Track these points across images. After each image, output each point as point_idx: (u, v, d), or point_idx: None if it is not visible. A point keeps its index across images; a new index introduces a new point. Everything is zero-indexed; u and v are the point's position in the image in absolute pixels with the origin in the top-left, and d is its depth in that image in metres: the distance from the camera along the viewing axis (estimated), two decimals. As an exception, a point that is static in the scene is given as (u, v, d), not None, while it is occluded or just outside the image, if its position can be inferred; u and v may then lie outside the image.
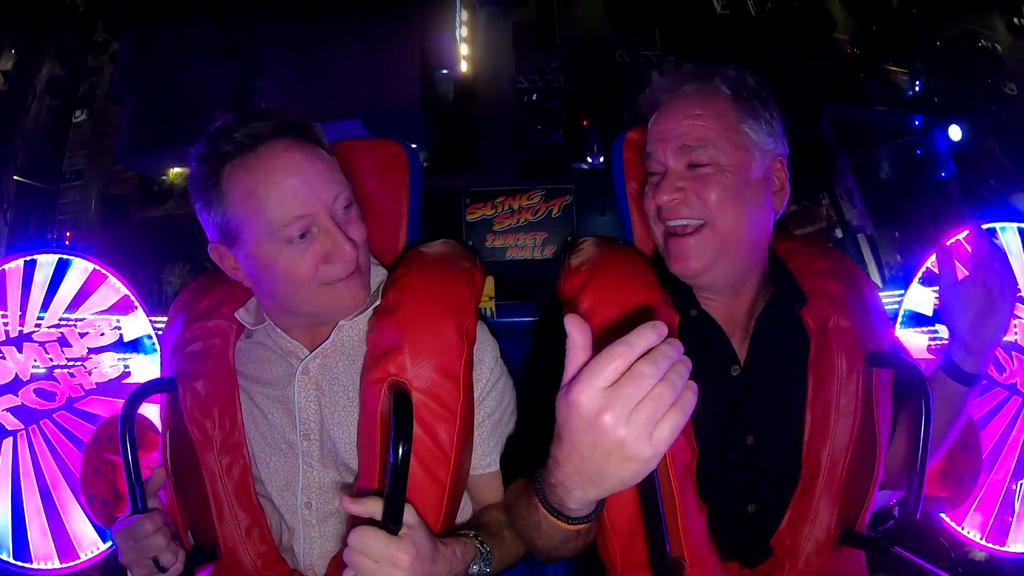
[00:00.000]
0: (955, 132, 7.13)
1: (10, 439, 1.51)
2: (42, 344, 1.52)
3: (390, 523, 0.96)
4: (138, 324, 1.56)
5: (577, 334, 0.81)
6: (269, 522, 1.25)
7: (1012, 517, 1.46)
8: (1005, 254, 1.24)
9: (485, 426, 1.24)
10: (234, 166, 1.12)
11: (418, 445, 1.11)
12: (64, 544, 1.50)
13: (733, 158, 1.18)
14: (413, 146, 1.48)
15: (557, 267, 1.27)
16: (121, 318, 1.55)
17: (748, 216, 1.18)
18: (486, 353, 1.25)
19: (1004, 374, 1.49)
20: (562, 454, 0.85)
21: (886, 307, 1.32)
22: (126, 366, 1.56)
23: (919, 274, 1.55)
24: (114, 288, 1.56)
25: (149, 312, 1.56)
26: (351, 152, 1.42)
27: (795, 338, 1.24)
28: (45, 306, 1.54)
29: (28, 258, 1.55)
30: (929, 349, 1.52)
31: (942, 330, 1.53)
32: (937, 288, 1.53)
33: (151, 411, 1.41)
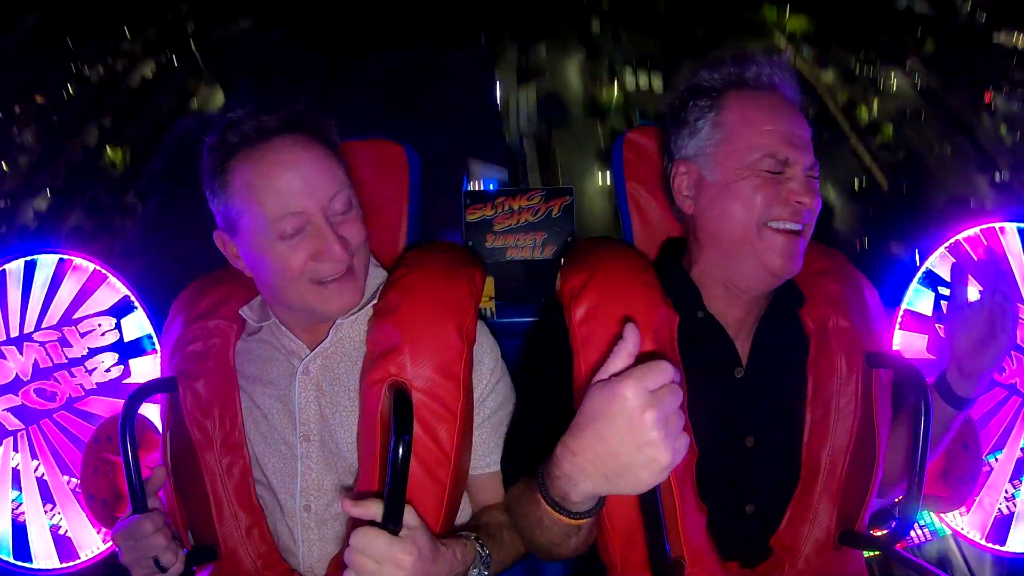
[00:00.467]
0: None
1: (10, 439, 1.51)
2: (42, 344, 1.52)
3: (391, 524, 0.96)
4: (139, 324, 1.56)
5: (632, 343, 0.88)
6: (269, 522, 1.25)
7: (1012, 517, 1.46)
8: (1016, 284, 1.23)
9: (486, 427, 1.24)
10: (239, 158, 1.14)
11: (418, 445, 1.11)
12: (64, 544, 1.50)
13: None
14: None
15: (557, 268, 1.27)
16: (122, 318, 1.55)
17: None
18: (486, 354, 1.25)
19: (1004, 374, 1.49)
20: (580, 444, 0.88)
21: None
22: (126, 366, 1.56)
23: (919, 274, 1.55)
24: (114, 288, 1.56)
25: (150, 312, 1.56)
26: (351, 152, 1.42)
27: (795, 339, 1.24)
28: (46, 306, 1.54)
29: (28, 258, 1.55)
30: (928, 348, 1.52)
31: (942, 331, 1.53)
32: (945, 297, 1.53)
33: (151, 411, 1.41)
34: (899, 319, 1.55)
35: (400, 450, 0.96)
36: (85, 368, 1.55)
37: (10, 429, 1.52)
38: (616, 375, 0.85)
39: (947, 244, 1.56)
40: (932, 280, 1.56)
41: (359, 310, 1.24)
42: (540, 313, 1.36)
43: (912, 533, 1.66)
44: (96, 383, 1.55)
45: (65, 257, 1.56)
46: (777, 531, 1.19)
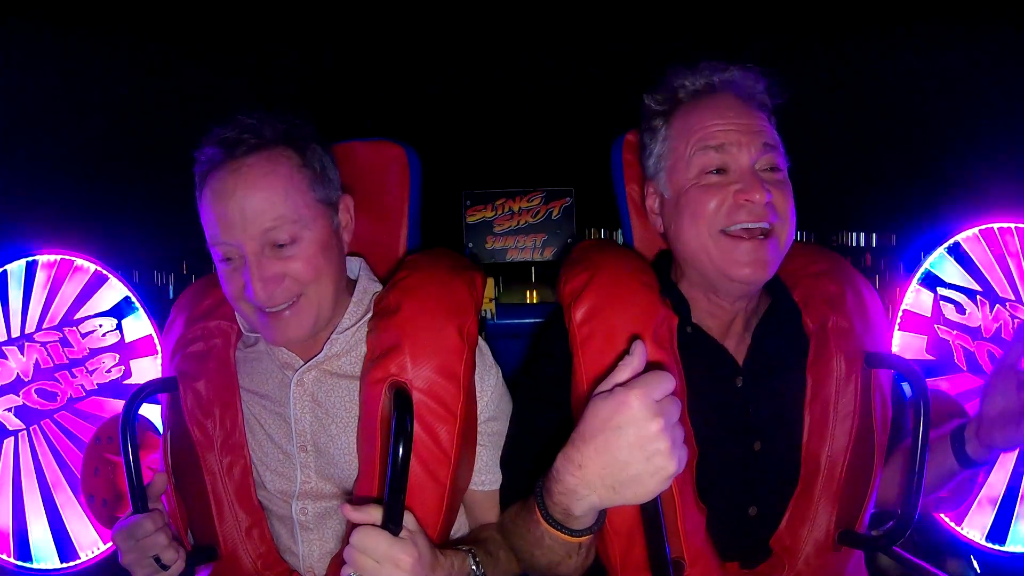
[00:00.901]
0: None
1: (11, 439, 1.52)
2: (44, 344, 1.53)
3: (391, 524, 0.96)
4: (140, 325, 1.56)
5: (639, 360, 0.89)
6: (269, 522, 1.25)
7: (1012, 517, 1.46)
8: None
9: (489, 445, 1.24)
10: (205, 179, 1.14)
11: (418, 445, 1.11)
12: (64, 544, 1.50)
13: (784, 166, 1.17)
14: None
15: (557, 271, 1.27)
16: (122, 319, 1.55)
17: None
18: (488, 373, 1.24)
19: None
20: (586, 456, 0.88)
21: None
22: (127, 367, 1.56)
23: (919, 274, 1.55)
24: (116, 289, 1.56)
25: (151, 313, 1.57)
26: (351, 153, 1.42)
27: (795, 340, 1.24)
28: (47, 307, 1.54)
29: (30, 259, 1.56)
30: (927, 349, 1.53)
31: (941, 331, 1.54)
32: (944, 298, 1.53)
33: (152, 412, 1.41)
34: (899, 319, 1.56)
35: (400, 449, 0.96)
36: (86, 368, 1.55)
37: (11, 429, 1.53)
38: (619, 385, 0.86)
39: (947, 244, 1.57)
40: (932, 280, 1.56)
41: (354, 325, 1.24)
42: (539, 316, 1.36)
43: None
44: (97, 383, 1.55)
45: (66, 258, 1.57)
46: (777, 531, 1.19)
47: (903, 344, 1.55)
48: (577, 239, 2.19)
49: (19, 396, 1.52)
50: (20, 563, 1.51)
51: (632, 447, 0.84)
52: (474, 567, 1.11)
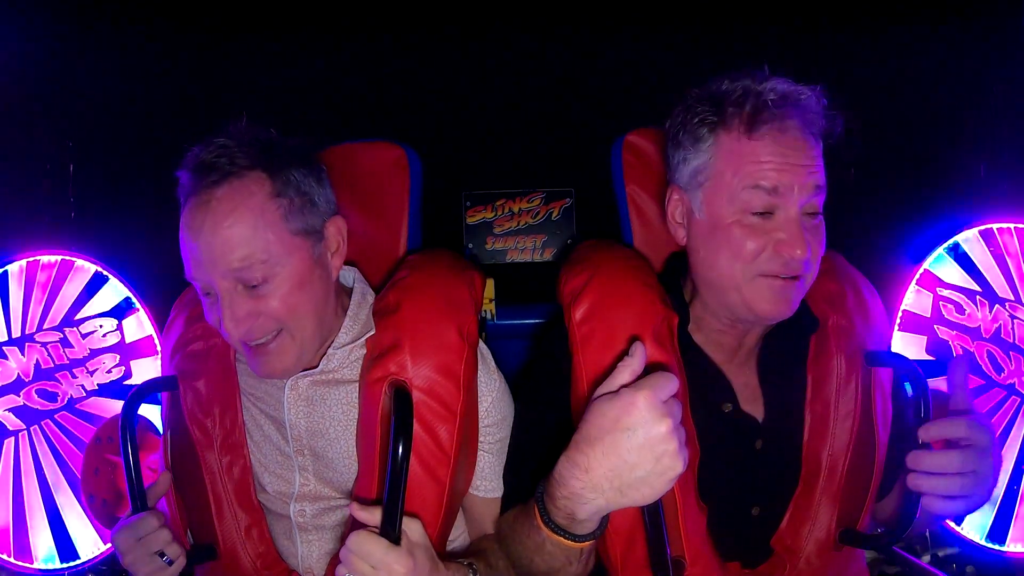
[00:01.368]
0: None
1: (11, 439, 1.52)
2: (44, 345, 1.53)
3: (390, 530, 0.95)
4: (140, 325, 1.57)
5: (638, 362, 0.89)
6: (268, 522, 1.25)
7: (1012, 517, 1.46)
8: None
9: (490, 451, 1.23)
10: (182, 208, 1.11)
11: (418, 444, 1.11)
12: (64, 544, 1.50)
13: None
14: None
15: (557, 272, 1.27)
16: (123, 319, 1.55)
17: None
18: (491, 379, 1.24)
19: (1003, 374, 1.50)
20: (591, 459, 0.87)
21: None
22: (127, 367, 1.56)
23: (917, 275, 1.56)
24: (116, 289, 1.56)
25: (151, 313, 1.57)
26: (351, 154, 1.42)
27: (801, 347, 1.24)
28: (47, 307, 1.54)
29: (31, 259, 1.56)
30: (927, 349, 1.53)
31: (941, 331, 1.54)
32: (944, 299, 1.52)
33: (152, 412, 1.41)
34: (899, 319, 1.56)
35: (400, 449, 0.97)
36: (87, 369, 1.55)
37: (12, 429, 1.53)
38: (625, 386, 0.86)
39: (946, 245, 1.57)
40: (931, 281, 1.57)
41: (352, 342, 1.22)
42: (540, 317, 1.36)
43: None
44: (97, 384, 1.56)
45: (67, 258, 1.57)
46: (778, 531, 1.19)
47: (903, 344, 1.55)
48: (577, 240, 2.19)
49: (19, 396, 1.52)
50: (20, 563, 1.51)
51: (641, 449, 0.84)
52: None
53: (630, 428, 0.84)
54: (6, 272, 1.56)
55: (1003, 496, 1.46)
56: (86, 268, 1.57)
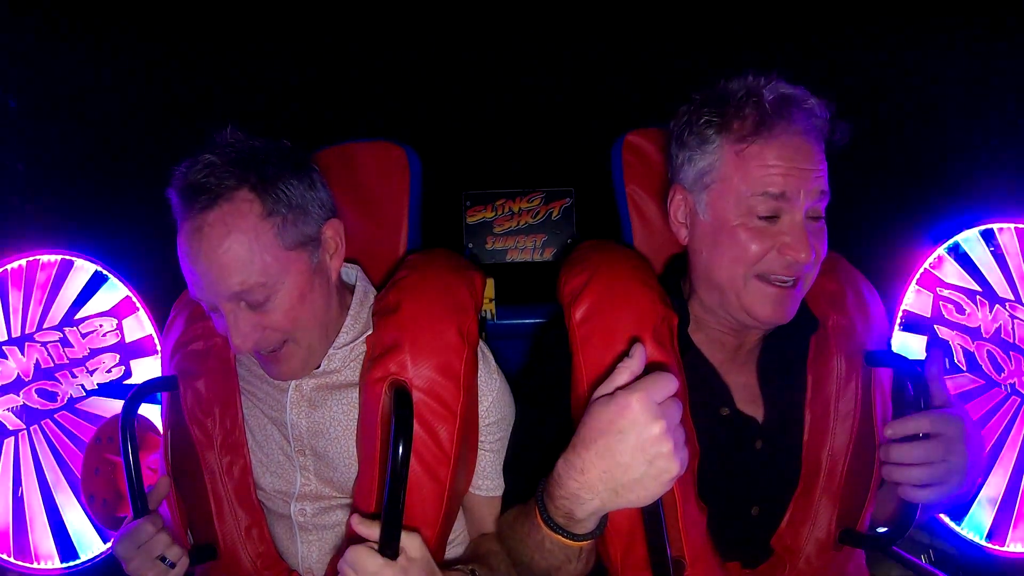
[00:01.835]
0: None
1: (11, 439, 1.52)
2: (44, 344, 1.53)
3: (386, 542, 0.96)
4: (140, 325, 1.57)
5: (637, 363, 0.89)
6: (269, 522, 1.25)
7: (1012, 517, 1.46)
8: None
9: (491, 451, 1.24)
10: (177, 226, 1.11)
11: (418, 444, 1.11)
12: (64, 544, 1.50)
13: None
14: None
15: (557, 271, 1.27)
16: (123, 319, 1.55)
17: None
18: (492, 379, 1.24)
19: (1003, 374, 1.50)
20: (587, 460, 0.88)
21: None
22: (127, 367, 1.56)
23: (917, 275, 1.56)
24: (116, 288, 1.56)
25: (151, 313, 1.57)
26: (351, 154, 1.42)
27: (801, 348, 1.24)
28: (47, 306, 1.54)
29: (31, 258, 1.56)
30: (927, 349, 1.53)
31: (941, 331, 1.54)
32: (944, 298, 1.52)
33: (152, 412, 1.41)
34: (899, 319, 1.56)
35: (400, 449, 0.97)
36: (86, 368, 1.55)
37: (11, 429, 1.53)
38: (621, 388, 0.86)
39: (947, 244, 1.57)
40: (931, 280, 1.57)
41: (352, 341, 1.23)
42: (540, 316, 1.36)
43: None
44: (97, 383, 1.56)
45: (67, 257, 1.57)
46: (778, 531, 1.19)
47: (903, 344, 1.55)
48: (577, 240, 2.19)
49: (19, 396, 1.52)
50: (20, 563, 1.51)
51: (634, 450, 0.84)
52: None
53: (623, 430, 0.84)
54: (6, 271, 1.56)
55: (1003, 496, 1.46)
56: (86, 267, 1.57)
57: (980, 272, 1.55)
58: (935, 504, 1.05)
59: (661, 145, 1.29)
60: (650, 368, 0.90)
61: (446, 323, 1.16)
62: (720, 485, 1.15)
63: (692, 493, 1.12)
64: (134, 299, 1.57)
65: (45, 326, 1.54)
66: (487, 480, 1.24)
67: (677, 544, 1.08)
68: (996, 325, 1.52)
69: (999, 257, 1.55)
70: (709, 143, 1.11)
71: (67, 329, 1.54)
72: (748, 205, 1.08)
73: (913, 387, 1.10)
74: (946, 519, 1.52)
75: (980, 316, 1.53)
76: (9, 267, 1.55)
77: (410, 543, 0.98)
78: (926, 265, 1.57)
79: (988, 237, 1.56)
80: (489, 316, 1.81)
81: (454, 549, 1.28)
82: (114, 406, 1.54)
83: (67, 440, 1.52)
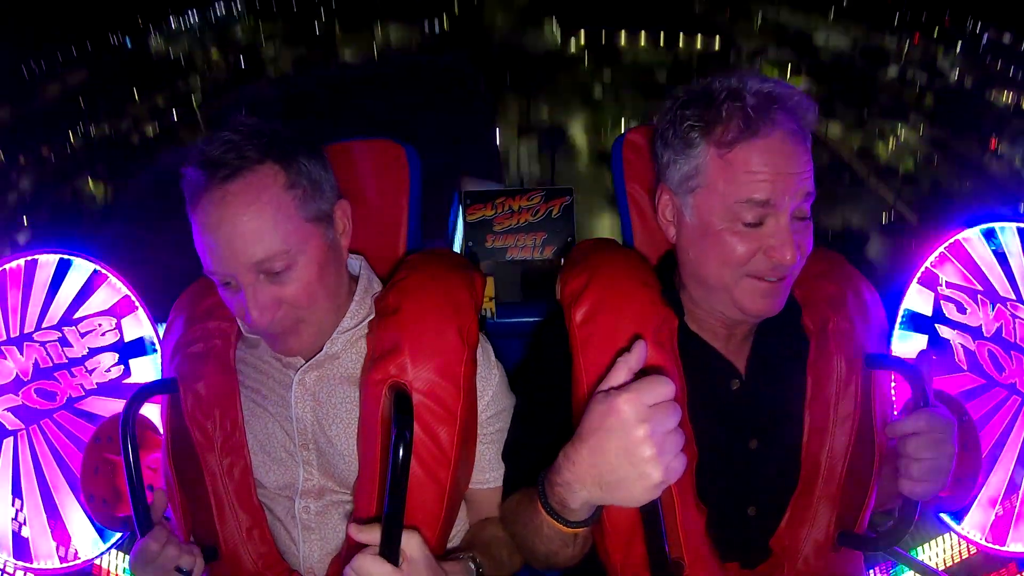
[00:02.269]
0: None
1: (10, 439, 1.51)
2: (43, 344, 1.52)
3: (387, 547, 0.96)
4: (139, 324, 1.56)
5: (636, 360, 0.89)
6: (270, 522, 1.25)
7: (1012, 517, 1.46)
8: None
9: (489, 443, 1.25)
10: (192, 203, 1.12)
11: (419, 446, 1.11)
12: (64, 544, 1.49)
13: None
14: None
15: (557, 270, 1.27)
16: (122, 318, 1.55)
17: None
18: (491, 372, 1.25)
19: (1004, 374, 1.49)
20: (580, 453, 0.90)
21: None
22: (127, 366, 1.56)
23: (918, 274, 1.55)
24: (115, 288, 1.56)
25: (150, 312, 1.56)
26: (350, 153, 1.42)
27: (795, 340, 1.24)
28: (46, 306, 1.54)
29: (29, 258, 1.55)
30: (928, 348, 1.52)
31: (942, 330, 1.54)
32: (945, 297, 1.52)
33: (152, 412, 1.41)
34: (899, 319, 1.55)
35: (400, 451, 0.96)
36: (85, 368, 1.55)
37: (10, 429, 1.52)
38: (616, 388, 0.87)
39: (947, 244, 1.56)
40: (932, 280, 1.56)
41: (355, 325, 1.24)
42: (539, 315, 1.36)
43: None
44: (96, 383, 1.55)
45: (65, 257, 1.56)
46: (776, 532, 1.19)
47: (903, 344, 1.55)
48: (577, 238, 2.18)
49: (18, 396, 1.52)
50: (19, 563, 1.50)
51: (618, 451, 0.86)
52: (476, 571, 1.12)
53: (611, 429, 0.85)
54: (4, 271, 1.55)
55: (1003, 496, 1.46)
56: (84, 267, 1.56)
57: (982, 271, 1.55)
58: (935, 505, 1.06)
59: (650, 141, 1.29)
60: (648, 372, 0.90)
61: (446, 325, 1.16)
62: (715, 484, 1.15)
63: (691, 494, 1.12)
64: (133, 298, 1.56)
65: (44, 325, 1.53)
66: (488, 472, 1.25)
67: (676, 545, 1.09)
68: (997, 324, 1.52)
69: (1001, 256, 1.54)
70: (693, 147, 1.11)
71: (66, 328, 1.54)
72: (734, 212, 1.08)
73: (913, 389, 1.10)
74: (946, 518, 1.52)
75: (981, 315, 1.53)
76: (7, 267, 1.55)
77: (409, 543, 0.99)
78: (927, 264, 1.56)
79: (990, 236, 1.55)
80: (489, 315, 1.81)
81: (452, 543, 1.29)
82: (113, 406, 1.53)
83: (67, 440, 1.52)
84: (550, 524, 0.99)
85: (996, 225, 1.55)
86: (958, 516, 1.48)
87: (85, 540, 1.51)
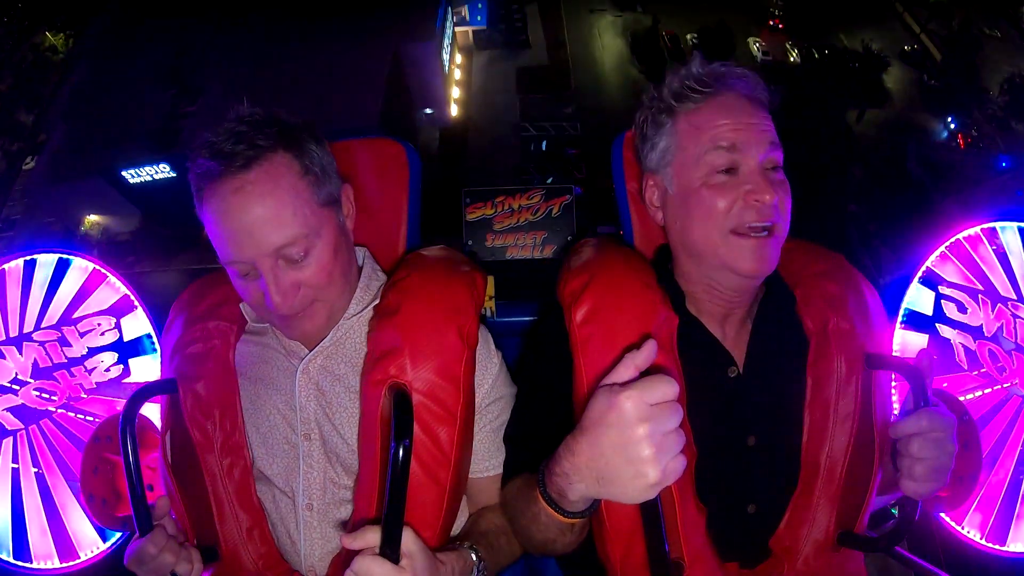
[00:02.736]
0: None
1: (10, 439, 1.51)
2: (42, 344, 1.52)
3: (389, 551, 0.96)
4: (138, 324, 1.56)
5: (644, 358, 0.89)
6: (270, 522, 1.25)
7: (1012, 517, 1.46)
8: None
9: (489, 431, 1.25)
10: (202, 196, 1.13)
11: (418, 446, 1.11)
12: (64, 544, 1.49)
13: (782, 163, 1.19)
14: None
15: (557, 269, 1.27)
16: (121, 318, 1.55)
17: None
18: (491, 361, 1.25)
19: (1004, 374, 1.49)
20: (579, 445, 0.90)
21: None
22: (126, 366, 1.55)
23: (919, 273, 1.55)
24: (114, 288, 1.55)
25: (149, 312, 1.56)
26: (350, 151, 1.42)
27: (795, 339, 1.24)
28: (45, 305, 1.53)
29: (28, 258, 1.55)
30: (928, 348, 1.52)
31: (943, 330, 1.53)
32: (946, 297, 1.52)
33: (152, 411, 1.41)
34: (900, 318, 1.55)
35: (400, 452, 0.96)
36: (85, 368, 1.55)
37: (10, 429, 1.52)
38: (621, 384, 0.86)
39: (948, 243, 1.56)
40: (932, 280, 1.56)
41: (361, 311, 1.24)
42: (539, 314, 1.36)
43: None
44: (96, 383, 1.55)
45: (65, 256, 1.56)
46: (776, 532, 1.19)
47: (903, 344, 1.55)
48: (577, 236, 2.18)
49: (18, 396, 1.52)
50: (20, 563, 1.50)
51: (615, 447, 0.86)
52: (475, 560, 1.12)
53: (610, 425, 0.86)
54: (3, 271, 1.55)
55: (1003, 496, 1.46)
56: (84, 266, 1.56)
57: (982, 271, 1.54)
58: (935, 505, 1.06)
59: (633, 147, 1.33)
60: (650, 371, 0.90)
61: (446, 325, 1.15)
62: (714, 481, 1.16)
63: (691, 494, 1.12)
64: (132, 298, 1.56)
65: (43, 325, 1.53)
66: (487, 461, 1.25)
67: (676, 545, 1.09)
68: (998, 324, 1.52)
69: (1002, 255, 1.54)
70: (663, 125, 1.22)
71: (65, 328, 1.53)
72: (706, 162, 1.16)
73: (913, 389, 1.09)
74: (946, 518, 1.52)
75: (982, 315, 1.53)
76: (6, 266, 1.55)
77: (405, 539, 0.98)
78: (928, 263, 1.56)
79: (991, 235, 1.55)
80: (489, 314, 1.81)
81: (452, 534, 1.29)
82: (113, 406, 1.53)
83: (66, 440, 1.52)
84: (548, 513, 1.00)
85: (997, 224, 1.55)
86: (958, 516, 1.48)
87: (84, 540, 1.51)
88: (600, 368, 1.08)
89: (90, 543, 1.51)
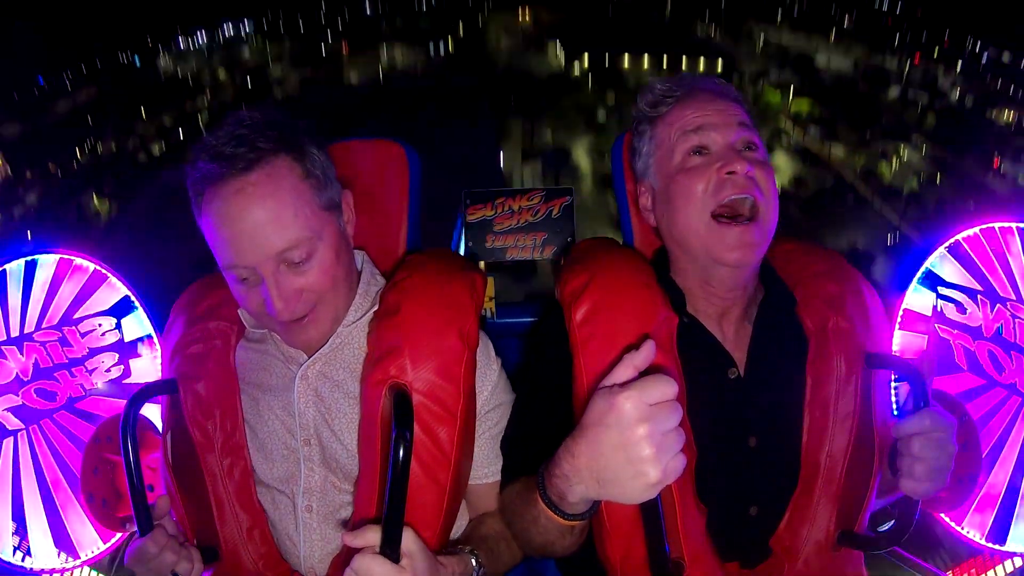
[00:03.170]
0: None
1: (11, 439, 1.51)
2: (43, 344, 1.52)
3: (389, 550, 0.96)
4: (139, 324, 1.56)
5: (643, 358, 0.90)
6: (270, 523, 1.25)
7: (1012, 517, 1.46)
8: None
9: (488, 438, 1.25)
10: (201, 201, 1.12)
11: (419, 447, 1.11)
12: (64, 544, 1.49)
13: (762, 145, 1.24)
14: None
15: (557, 269, 1.27)
16: (122, 318, 1.55)
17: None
18: (490, 367, 1.25)
19: (1004, 374, 1.49)
20: (579, 447, 0.90)
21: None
22: (127, 366, 1.56)
23: (919, 274, 1.55)
24: (115, 288, 1.56)
25: (150, 312, 1.56)
26: (351, 152, 1.42)
27: (795, 341, 1.24)
28: (46, 306, 1.54)
29: (29, 258, 1.55)
30: (928, 348, 1.52)
31: (942, 330, 1.54)
32: (945, 297, 1.53)
33: (152, 411, 1.41)
34: (899, 319, 1.55)
35: (400, 452, 0.96)
36: (85, 368, 1.55)
37: (10, 429, 1.52)
38: (621, 385, 0.87)
39: (947, 244, 1.56)
40: (932, 280, 1.56)
41: (359, 318, 1.24)
42: (539, 315, 1.36)
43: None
44: (96, 383, 1.55)
45: (65, 257, 1.56)
46: (776, 531, 1.19)
47: (903, 344, 1.55)
48: (577, 238, 2.18)
49: (18, 396, 1.52)
50: (19, 563, 1.50)
51: (615, 448, 0.86)
52: (475, 564, 1.12)
53: (610, 425, 0.86)
54: (4, 271, 1.55)
55: (1003, 496, 1.46)
56: (85, 267, 1.56)
57: (981, 271, 1.55)
58: (935, 505, 1.06)
59: (629, 164, 1.39)
60: (650, 371, 0.90)
61: (446, 326, 1.16)
62: (715, 483, 1.16)
63: (691, 494, 1.12)
64: (133, 298, 1.57)
65: (44, 326, 1.53)
66: (486, 467, 1.25)
67: (676, 545, 1.09)
68: (997, 325, 1.52)
69: (1001, 256, 1.54)
70: (645, 133, 1.30)
71: (66, 328, 1.54)
72: (679, 150, 1.22)
73: (913, 389, 1.10)
74: (945, 519, 1.52)
75: (981, 315, 1.53)
76: (7, 267, 1.55)
77: (405, 539, 0.99)
78: (928, 264, 1.56)
79: (990, 236, 1.55)
80: (489, 315, 1.81)
81: (452, 538, 1.29)
82: (114, 406, 1.53)
83: (67, 440, 1.52)
84: (548, 515, 1.00)
85: (996, 225, 1.56)
86: (958, 516, 1.48)
87: (84, 540, 1.51)
88: (600, 368, 1.08)
89: (90, 543, 1.51)
